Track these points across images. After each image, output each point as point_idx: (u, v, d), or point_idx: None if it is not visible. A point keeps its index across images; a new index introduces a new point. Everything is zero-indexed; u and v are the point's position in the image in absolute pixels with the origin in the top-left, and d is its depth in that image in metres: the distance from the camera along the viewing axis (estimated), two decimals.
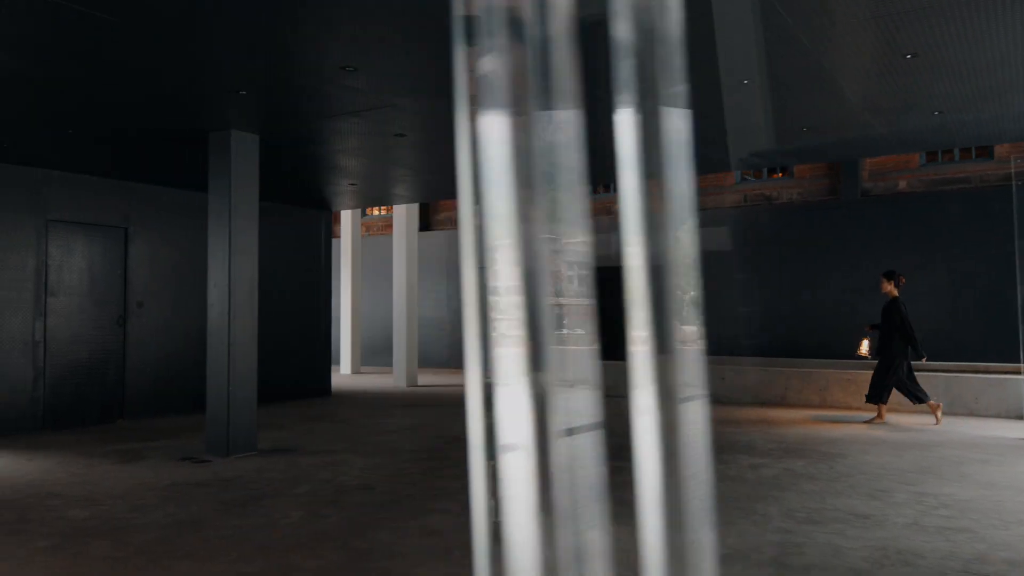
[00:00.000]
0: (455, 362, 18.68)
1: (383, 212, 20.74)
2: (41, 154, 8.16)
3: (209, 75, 5.57)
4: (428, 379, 15.42)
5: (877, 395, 9.05)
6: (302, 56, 5.19)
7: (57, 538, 4.44)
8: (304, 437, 8.09)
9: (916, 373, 9.30)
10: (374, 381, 15.04)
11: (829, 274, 14.41)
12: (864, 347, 9.54)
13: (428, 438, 7.94)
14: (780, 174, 15.83)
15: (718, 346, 15.30)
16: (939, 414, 8.75)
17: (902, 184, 14.48)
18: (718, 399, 11.09)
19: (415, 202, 13.24)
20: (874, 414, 9.26)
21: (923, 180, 14.28)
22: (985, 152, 13.81)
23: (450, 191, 11.46)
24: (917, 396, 8.95)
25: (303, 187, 10.51)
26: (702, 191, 16.53)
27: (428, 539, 4.34)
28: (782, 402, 10.69)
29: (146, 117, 6.67)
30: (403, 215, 14.62)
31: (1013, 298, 12.59)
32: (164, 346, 10.07)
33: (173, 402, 10.14)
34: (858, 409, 10.05)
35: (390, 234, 20.25)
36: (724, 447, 7.23)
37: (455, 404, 10.94)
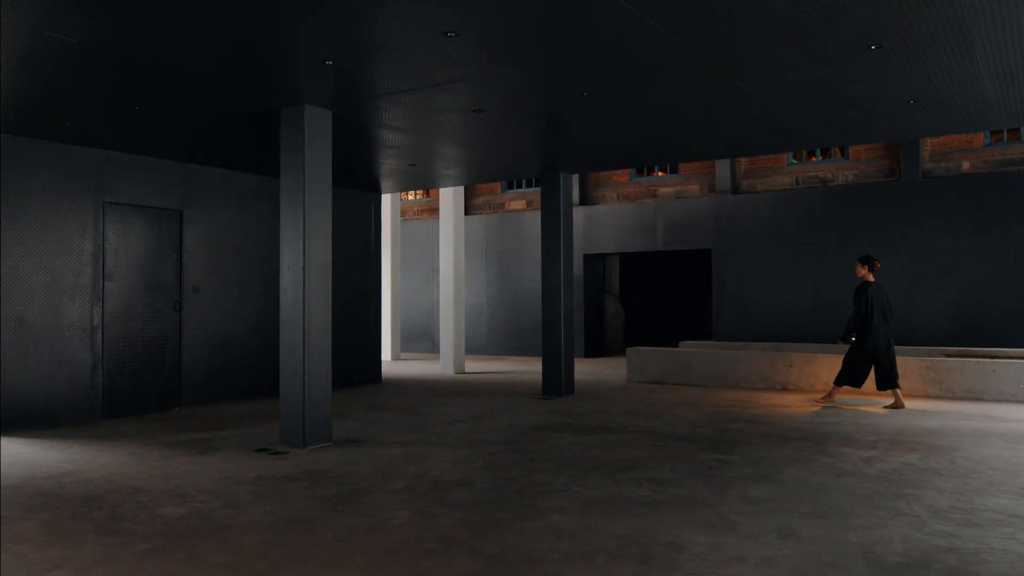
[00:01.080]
0: (494, 348, 18.36)
1: (418, 196, 20.39)
2: (100, 134, 7.85)
3: (297, 43, 5.21)
4: (472, 366, 15.10)
5: (889, 380, 8.87)
6: (403, 20, 4.82)
7: (159, 539, 4.14)
8: (372, 427, 7.78)
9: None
10: (419, 368, 14.75)
11: (888, 259, 13.92)
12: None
13: (502, 428, 7.61)
14: (819, 157, 15.30)
15: (772, 333, 14.86)
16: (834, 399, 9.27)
17: (965, 165, 13.96)
18: (786, 387, 10.70)
19: (463, 185, 12.88)
20: (891, 400, 9.10)
21: (988, 161, 13.76)
22: None
23: (504, 173, 11.08)
24: (858, 381, 9.05)
25: (359, 168, 10.17)
26: (752, 173, 16.08)
27: (560, 542, 4.01)
28: (856, 390, 10.27)
29: (218, 92, 6.34)
30: (450, 198, 14.26)
31: None
32: (219, 332, 9.79)
33: (228, 389, 9.88)
34: (937, 398, 9.64)
35: (426, 218, 19.92)
36: (822, 438, 6.86)
37: (513, 392, 10.61)
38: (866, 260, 9.15)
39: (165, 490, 5.21)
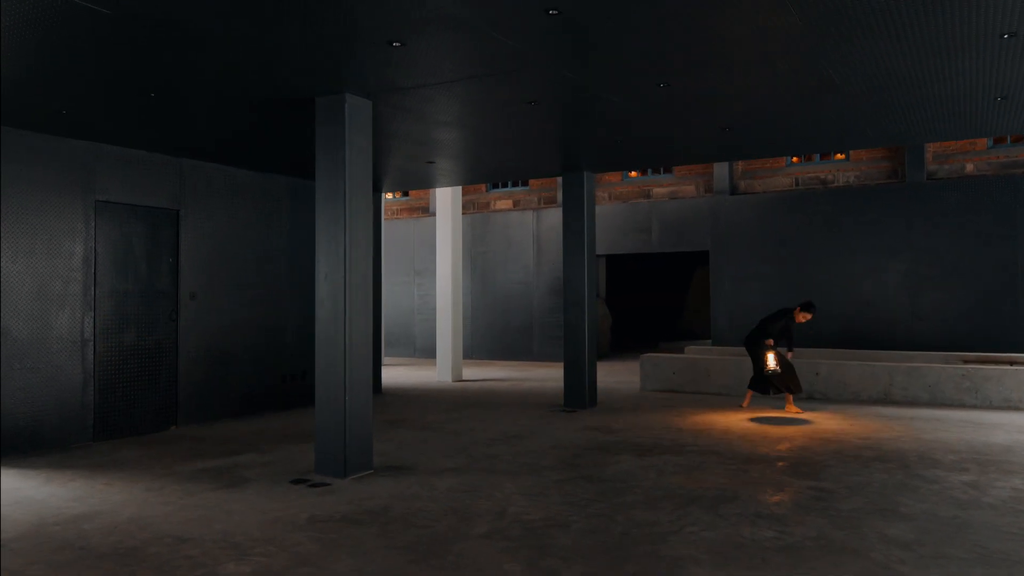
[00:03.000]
0: (478, 352, 17.70)
1: (397, 195, 19.59)
2: (93, 124, 6.97)
3: (358, 19, 4.49)
4: (467, 372, 14.42)
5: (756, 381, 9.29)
6: None
7: None
8: (407, 450, 7.08)
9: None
10: (411, 375, 14.00)
11: (891, 262, 13.69)
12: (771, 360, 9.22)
13: (548, 450, 6.99)
14: (819, 158, 15.03)
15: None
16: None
17: (969, 167, 13.84)
18: (812, 396, 10.31)
19: (468, 184, 12.20)
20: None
21: (992, 163, 13.66)
22: None
23: (519, 172, 10.44)
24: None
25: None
26: (749, 174, 15.76)
27: None
28: (886, 399, 9.94)
29: (247, 74, 5.55)
30: (448, 198, 13.57)
31: None
32: (217, 342, 8.95)
33: (227, 404, 9.04)
34: (974, 408, 9.35)
35: (406, 218, 19.19)
36: (900, 458, 6.41)
37: (531, 404, 9.99)
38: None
39: (212, 539, 4.46)
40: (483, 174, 10.40)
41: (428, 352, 18.34)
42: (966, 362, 11.18)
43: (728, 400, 10.20)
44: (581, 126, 7.39)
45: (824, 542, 4.28)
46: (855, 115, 6.91)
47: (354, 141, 6.07)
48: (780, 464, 6.28)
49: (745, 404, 9.58)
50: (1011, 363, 11.06)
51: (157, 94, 5.96)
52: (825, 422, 8.35)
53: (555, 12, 4.39)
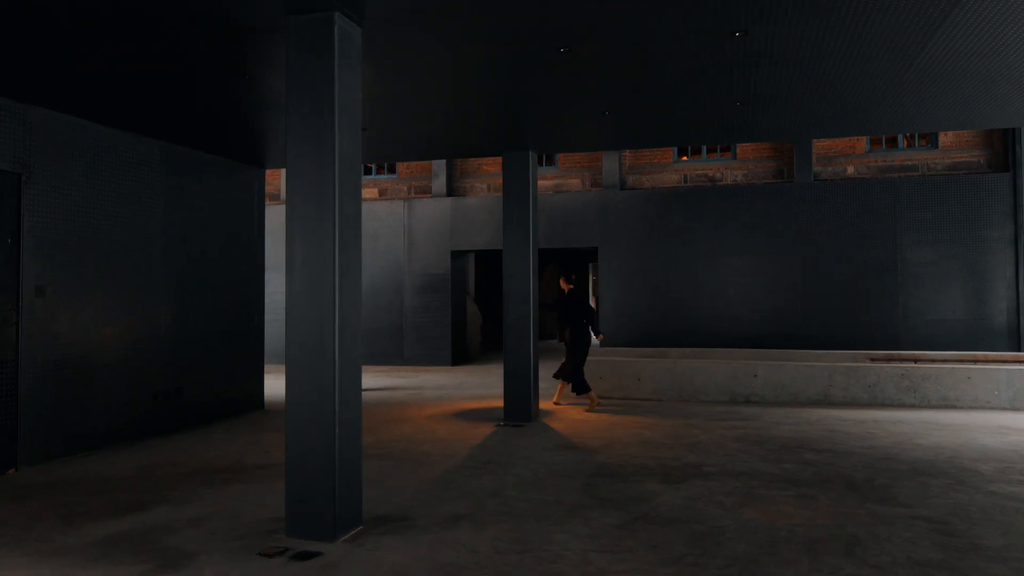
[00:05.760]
0: None
1: None
2: None
3: None
4: None
5: (583, 383, 9.24)
6: None
7: None
8: (373, 488, 5.49)
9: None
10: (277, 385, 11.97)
11: (782, 260, 13.73)
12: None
13: (545, 478, 5.72)
14: (706, 155, 14.91)
15: (661, 334, 14.07)
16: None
17: (850, 170, 14.19)
18: (750, 399, 9.80)
19: (366, 163, 10.54)
20: (588, 402, 9.32)
21: (871, 167, 14.09)
22: (928, 140, 13.87)
23: (447, 151, 8.99)
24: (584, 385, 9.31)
25: (253, 128, 7.62)
26: (637, 169, 15.28)
27: None
28: (826, 400, 9.62)
29: None
30: None
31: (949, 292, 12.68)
32: (73, 352, 6.76)
33: (86, 433, 6.88)
34: (914, 407, 9.23)
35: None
36: (938, 470, 5.83)
37: (460, 417, 8.61)
38: (566, 275, 9.64)
39: None
40: (405, 150, 8.88)
41: (278, 356, 16.19)
42: (873, 360, 11.25)
43: (673, 407, 9.42)
44: (585, 88, 6.16)
45: None
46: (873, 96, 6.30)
47: (344, 81, 4.46)
48: (828, 485, 5.46)
49: (558, 401, 9.73)
50: (915, 360, 11.27)
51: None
52: (806, 430, 7.74)
53: None
